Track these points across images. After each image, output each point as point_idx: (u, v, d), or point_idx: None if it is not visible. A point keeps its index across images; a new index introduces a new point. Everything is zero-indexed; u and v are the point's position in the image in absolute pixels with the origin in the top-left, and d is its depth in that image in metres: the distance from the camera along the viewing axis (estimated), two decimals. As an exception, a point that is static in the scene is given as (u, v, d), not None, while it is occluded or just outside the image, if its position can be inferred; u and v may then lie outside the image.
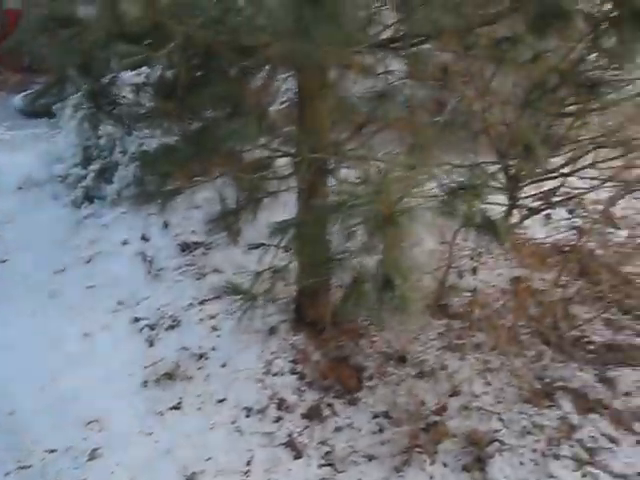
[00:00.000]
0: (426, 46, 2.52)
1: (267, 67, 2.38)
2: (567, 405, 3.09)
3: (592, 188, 4.26)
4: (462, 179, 2.37)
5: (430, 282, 3.61)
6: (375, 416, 2.97)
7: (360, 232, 1.75)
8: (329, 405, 3.02)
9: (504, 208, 4.38)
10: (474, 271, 3.76)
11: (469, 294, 3.70)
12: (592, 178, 4.07)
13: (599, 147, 3.81)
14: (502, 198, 4.33)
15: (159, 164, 2.53)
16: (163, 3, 1.79)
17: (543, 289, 3.76)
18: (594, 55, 1.97)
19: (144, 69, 3.74)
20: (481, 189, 2.30)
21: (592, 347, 3.51)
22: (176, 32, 1.76)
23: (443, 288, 3.56)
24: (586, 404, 3.12)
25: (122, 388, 3.13)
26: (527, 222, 4.56)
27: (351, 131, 2.87)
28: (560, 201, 4.54)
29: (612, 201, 4.04)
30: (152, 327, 3.61)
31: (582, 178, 4.19)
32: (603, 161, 3.88)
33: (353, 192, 1.60)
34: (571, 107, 3.35)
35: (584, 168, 4.20)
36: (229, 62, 2.08)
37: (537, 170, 4.24)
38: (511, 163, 4.09)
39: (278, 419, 2.97)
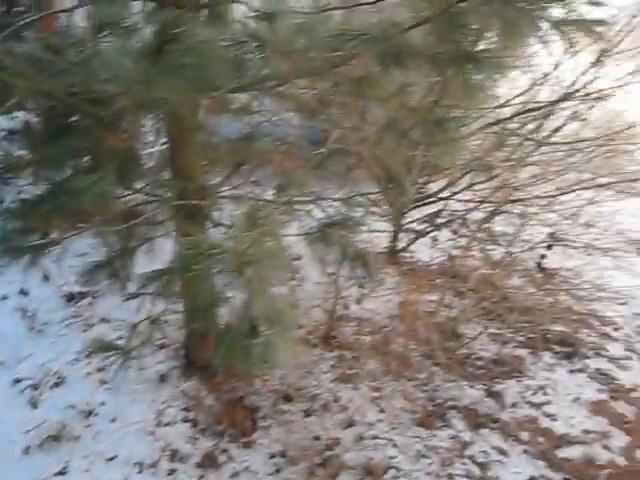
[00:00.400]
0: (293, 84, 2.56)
1: (129, 114, 2.34)
2: (459, 423, 3.18)
3: (469, 209, 4.49)
4: (338, 212, 2.42)
5: (319, 315, 3.65)
6: (271, 456, 2.93)
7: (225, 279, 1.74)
8: (224, 451, 2.95)
9: (389, 234, 4.56)
10: (359, 300, 3.82)
11: (358, 323, 3.77)
12: (467, 200, 4.28)
13: (471, 171, 4.03)
14: (387, 225, 4.49)
15: (22, 218, 2.41)
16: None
17: (431, 311, 3.89)
18: (442, 94, 2.06)
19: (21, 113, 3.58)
20: (355, 222, 2.34)
21: (480, 363, 3.66)
22: (17, 86, 1.70)
23: (333, 319, 3.60)
24: (476, 420, 3.23)
25: (0, 458, 2.92)
26: (414, 246, 4.73)
27: (226, 172, 2.86)
28: (444, 223, 4.75)
29: (486, 220, 4.25)
30: (35, 387, 3.40)
31: (460, 201, 4.41)
32: (475, 184, 4.11)
33: (207, 241, 1.59)
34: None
35: (461, 191, 4.43)
36: (83, 113, 2.02)
37: (418, 195, 4.43)
38: (391, 191, 4.25)
39: (172, 471, 2.86)
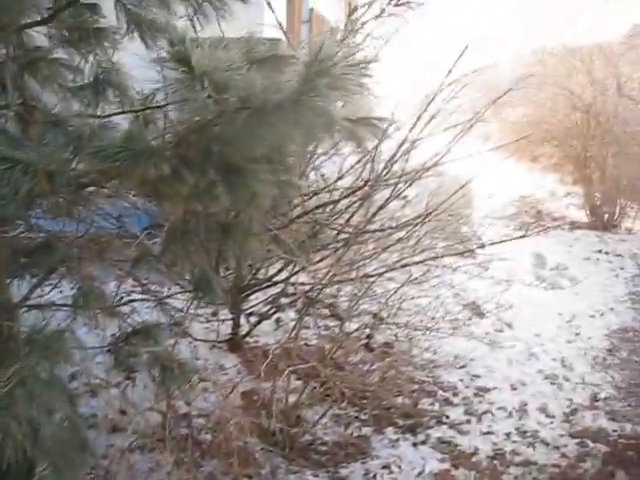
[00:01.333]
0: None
1: None
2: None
3: (311, 288, 4.53)
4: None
5: (154, 417, 3.42)
6: None
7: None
8: None
9: (230, 321, 4.46)
10: (194, 398, 3.63)
11: (198, 420, 3.58)
12: (303, 283, 4.32)
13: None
14: (226, 312, 4.40)
15: None
16: None
17: (275, 397, 3.79)
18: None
19: None
20: (163, 328, 2.23)
21: (325, 448, 3.59)
22: None
23: (168, 420, 3.38)
24: (321, 511, 3.13)
25: None
26: (258, 329, 4.67)
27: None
28: (288, 303, 4.75)
29: (323, 298, 4.30)
30: None
31: (301, 283, 4.44)
32: (315, 263, 4.17)
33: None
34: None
35: (299, 271, 4.46)
36: None
37: (256, 279, 4.41)
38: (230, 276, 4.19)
39: None
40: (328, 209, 3.63)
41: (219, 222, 1.71)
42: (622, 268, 7.38)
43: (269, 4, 2.97)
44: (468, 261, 7.00)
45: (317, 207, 3.31)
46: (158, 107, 1.82)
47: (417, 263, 3.98)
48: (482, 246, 4.27)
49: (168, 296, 2.81)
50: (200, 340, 4.48)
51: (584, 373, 4.50)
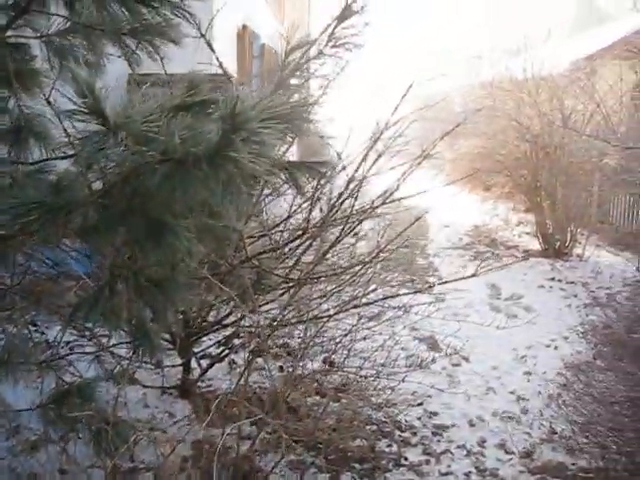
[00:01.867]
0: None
1: None
2: None
3: (265, 327, 4.41)
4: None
5: (97, 474, 3.22)
6: None
7: None
8: None
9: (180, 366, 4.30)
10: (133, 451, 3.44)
11: (149, 474, 3.40)
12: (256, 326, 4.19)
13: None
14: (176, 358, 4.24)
15: None
16: None
17: (229, 445, 3.64)
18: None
19: None
20: (98, 387, 2.09)
21: (282, 498, 3.45)
22: None
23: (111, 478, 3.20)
24: None
25: None
26: (211, 373, 4.51)
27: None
28: (241, 344, 4.61)
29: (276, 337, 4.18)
30: None
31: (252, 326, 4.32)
32: (263, 304, 4.06)
33: None
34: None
35: (252, 311, 4.34)
36: None
37: (206, 322, 4.27)
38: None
39: None
40: (276, 251, 3.54)
41: (148, 276, 1.61)
42: (575, 295, 7.47)
43: (209, 44, 2.91)
44: (424, 294, 7.01)
45: (260, 253, 3.22)
46: (74, 156, 1.71)
47: (370, 303, 3.91)
48: (434, 285, 4.20)
49: (109, 346, 2.66)
50: (149, 387, 4.30)
51: (541, 407, 4.48)
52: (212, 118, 1.30)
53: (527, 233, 10.61)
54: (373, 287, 4.21)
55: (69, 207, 1.42)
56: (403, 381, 4.43)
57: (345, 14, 2.26)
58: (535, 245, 9.75)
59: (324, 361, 4.17)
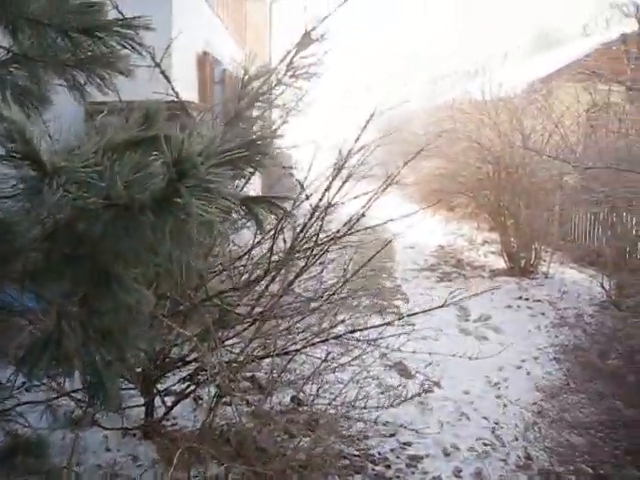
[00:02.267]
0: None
1: None
2: None
3: (232, 361, 4.27)
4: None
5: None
6: None
7: None
8: None
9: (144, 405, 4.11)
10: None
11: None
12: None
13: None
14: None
15: None
16: None
17: (195, 489, 3.47)
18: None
19: None
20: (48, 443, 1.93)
21: None
22: None
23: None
24: None
25: None
26: (176, 411, 4.33)
27: None
28: (206, 380, 4.45)
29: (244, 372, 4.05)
30: None
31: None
32: (228, 339, 3.93)
33: None
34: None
35: (216, 347, 4.19)
36: None
37: (172, 357, 4.10)
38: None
39: None
40: (238, 290, 3.42)
41: (97, 324, 1.49)
42: (543, 314, 7.50)
43: (163, 74, 2.81)
44: (393, 318, 6.95)
45: (221, 292, 3.09)
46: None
47: (338, 337, 3.81)
48: (403, 317, 4.11)
49: (65, 393, 2.50)
50: (110, 429, 4.10)
51: (516, 433, 4.41)
52: (161, 157, 1.20)
53: (492, 252, 10.68)
54: (341, 318, 4.12)
55: (7, 254, 1.29)
56: (375, 422, 4.32)
57: (304, 42, 2.20)
58: (501, 264, 9.80)
59: (292, 400, 4.03)
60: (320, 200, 3.27)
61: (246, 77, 2.24)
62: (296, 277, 3.60)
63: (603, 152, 7.04)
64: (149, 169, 1.15)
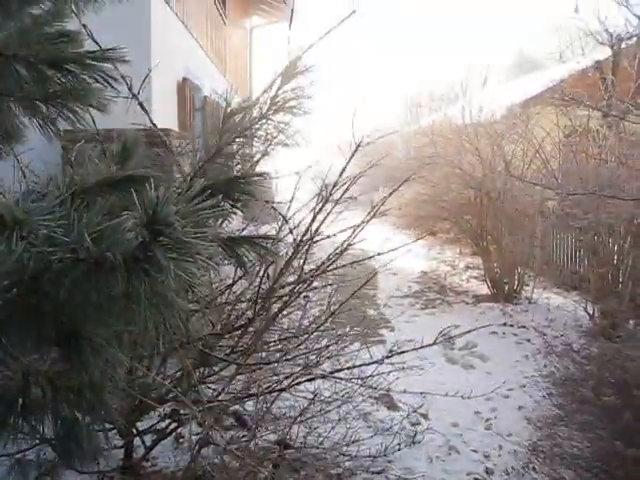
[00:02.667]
0: None
1: None
2: None
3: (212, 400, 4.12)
4: None
5: None
6: None
7: None
8: None
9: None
10: None
11: None
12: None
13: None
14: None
15: None
16: None
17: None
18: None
19: None
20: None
21: None
22: None
23: None
24: None
25: None
26: (156, 450, 4.16)
27: None
28: (188, 417, 4.28)
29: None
30: None
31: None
32: (207, 377, 3.78)
33: None
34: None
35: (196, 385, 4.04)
36: None
37: (152, 397, 3.94)
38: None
39: None
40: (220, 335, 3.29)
41: (65, 383, 1.36)
42: (528, 340, 7.43)
43: (141, 105, 2.71)
44: (378, 347, 6.83)
45: (200, 339, 2.95)
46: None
47: (324, 377, 3.69)
48: (391, 355, 4.01)
49: (31, 447, 2.34)
50: (86, 473, 3.90)
51: (507, 465, 4.30)
52: (134, 214, 1.08)
53: (475, 277, 10.65)
54: (327, 353, 4.00)
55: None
56: (362, 444, 4.21)
57: (288, 74, 2.12)
58: (484, 289, 9.75)
59: (279, 443, 3.87)
60: (304, 235, 3.17)
61: (228, 110, 2.15)
62: (279, 312, 3.48)
63: (585, 178, 7.07)
64: (122, 223, 1.04)
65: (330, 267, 3.38)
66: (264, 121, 2.09)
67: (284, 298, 3.48)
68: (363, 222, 3.54)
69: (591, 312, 7.70)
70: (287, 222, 2.99)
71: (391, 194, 3.65)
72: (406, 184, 12.55)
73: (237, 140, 2.09)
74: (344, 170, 3.13)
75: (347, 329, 7.34)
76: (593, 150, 7.42)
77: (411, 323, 8.05)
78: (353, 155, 3.11)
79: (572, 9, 12.43)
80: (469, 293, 9.78)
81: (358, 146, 3.07)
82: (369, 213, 3.52)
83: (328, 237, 3.26)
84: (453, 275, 11.02)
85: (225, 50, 15.48)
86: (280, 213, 3.08)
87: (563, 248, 10.00)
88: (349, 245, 3.38)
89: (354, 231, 3.54)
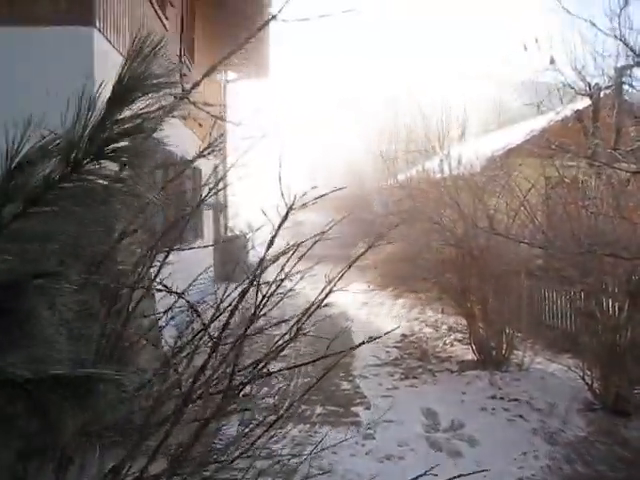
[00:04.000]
0: None
1: None
2: None
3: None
4: None
5: None
6: None
7: None
8: None
9: None
10: None
11: None
12: None
13: None
14: None
15: None
16: None
17: None
18: None
19: None
20: None
21: None
22: None
23: None
24: None
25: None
26: None
27: None
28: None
29: None
30: None
31: None
32: None
33: None
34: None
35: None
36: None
37: None
38: None
39: None
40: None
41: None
42: (521, 416, 6.56)
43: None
44: (350, 429, 5.94)
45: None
46: None
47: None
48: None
49: None
50: None
51: None
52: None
53: (460, 340, 9.82)
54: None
55: None
56: None
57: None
58: (470, 354, 8.92)
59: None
60: (274, 291, 2.40)
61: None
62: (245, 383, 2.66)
63: (577, 233, 6.37)
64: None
65: (285, 346, 2.59)
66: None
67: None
68: (334, 282, 2.77)
69: (590, 382, 6.88)
70: (256, 277, 2.23)
71: (366, 251, 2.92)
72: (384, 240, 11.87)
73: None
74: (273, 241, 2.39)
75: (317, 408, 6.45)
76: (584, 202, 6.75)
77: (390, 397, 7.14)
78: (283, 222, 2.39)
79: (548, 61, 12.08)
80: (453, 359, 8.92)
81: (287, 213, 2.35)
82: (346, 266, 2.79)
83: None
84: (436, 338, 10.18)
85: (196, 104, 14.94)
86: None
87: (553, 307, 9.27)
88: (322, 302, 2.61)
89: (329, 287, 2.78)
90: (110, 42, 6.74)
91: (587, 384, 6.86)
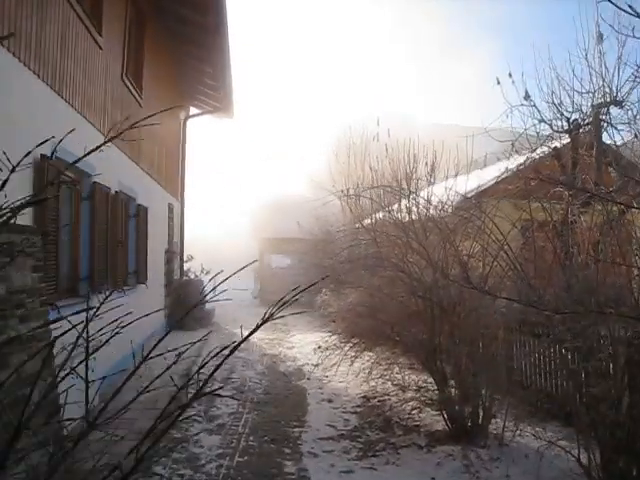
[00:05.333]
0: None
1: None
2: None
3: None
4: None
5: None
6: None
7: None
8: None
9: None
10: None
11: None
12: None
13: None
14: None
15: None
16: None
17: None
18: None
19: None
20: None
21: None
22: None
23: None
24: None
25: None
26: None
27: None
28: None
29: None
30: None
31: None
32: None
33: None
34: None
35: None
36: None
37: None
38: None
39: None
40: None
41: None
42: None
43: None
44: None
45: None
46: None
47: None
48: None
49: None
50: None
51: None
52: None
53: (429, 405, 8.52)
54: None
55: None
56: None
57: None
58: (440, 423, 7.64)
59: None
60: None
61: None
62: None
63: (569, 284, 5.25)
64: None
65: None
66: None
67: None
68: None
69: (585, 462, 5.65)
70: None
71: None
72: (349, 287, 10.64)
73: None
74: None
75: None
76: (582, 247, 5.66)
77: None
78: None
79: (522, 96, 11.26)
80: (421, 430, 7.60)
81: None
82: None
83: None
84: (402, 402, 8.86)
85: (157, 145, 13.99)
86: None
87: (537, 367, 8.12)
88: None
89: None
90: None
91: (582, 466, 5.64)
